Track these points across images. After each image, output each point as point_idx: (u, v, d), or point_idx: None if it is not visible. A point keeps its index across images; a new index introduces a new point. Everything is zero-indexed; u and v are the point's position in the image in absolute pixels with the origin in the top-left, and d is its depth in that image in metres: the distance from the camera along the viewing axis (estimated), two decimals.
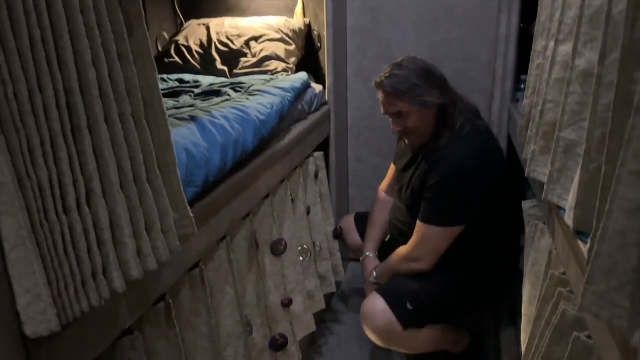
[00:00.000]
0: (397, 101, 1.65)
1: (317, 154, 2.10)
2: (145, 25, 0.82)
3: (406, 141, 1.78)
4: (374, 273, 1.90)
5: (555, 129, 1.06)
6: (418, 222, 1.72)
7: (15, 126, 0.58)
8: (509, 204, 1.74)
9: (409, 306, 1.68)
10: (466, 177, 1.62)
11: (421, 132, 1.69)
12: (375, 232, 2.06)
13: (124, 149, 0.73)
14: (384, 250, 2.01)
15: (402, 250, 1.78)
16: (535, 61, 1.39)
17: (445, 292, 1.73)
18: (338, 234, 2.21)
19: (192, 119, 1.25)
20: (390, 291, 1.73)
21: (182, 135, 1.14)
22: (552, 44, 1.19)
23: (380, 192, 2.13)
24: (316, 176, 2.06)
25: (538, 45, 1.37)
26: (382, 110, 1.72)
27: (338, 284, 2.18)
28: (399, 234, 1.90)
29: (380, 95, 1.69)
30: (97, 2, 0.70)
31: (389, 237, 2.04)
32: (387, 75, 1.66)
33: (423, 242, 1.70)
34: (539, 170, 1.18)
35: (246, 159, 1.41)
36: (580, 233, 0.90)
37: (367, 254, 2.03)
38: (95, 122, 0.68)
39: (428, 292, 1.71)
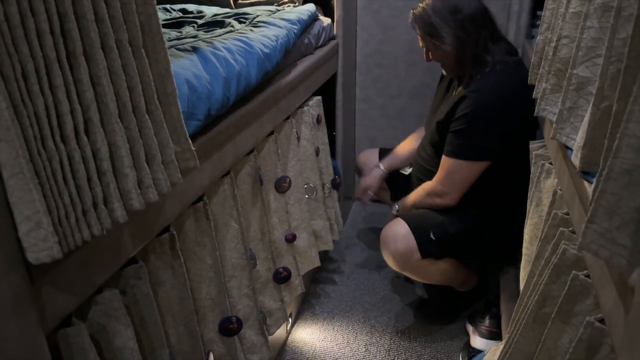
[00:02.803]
0: (422, 35, 1.71)
1: (315, 98, 2.02)
2: None
3: (443, 71, 1.84)
4: (396, 206, 1.95)
5: (569, 66, 1.02)
6: (443, 156, 1.72)
7: (8, 51, 0.56)
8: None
9: (432, 236, 1.71)
10: (494, 111, 1.63)
11: (449, 65, 1.74)
12: (399, 156, 2.14)
13: (121, 78, 0.71)
14: (404, 187, 2.02)
15: (427, 185, 1.79)
16: None
17: (468, 228, 1.74)
18: (337, 184, 2.14)
19: (194, 49, 1.22)
20: (416, 219, 1.76)
21: (184, 66, 1.11)
22: None
23: (419, 127, 2.18)
24: (318, 121, 2.02)
25: None
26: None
27: (334, 242, 2.14)
28: (421, 172, 1.91)
29: (411, 25, 1.76)
30: None
31: (410, 170, 2.06)
32: (418, 7, 1.70)
33: (448, 177, 1.70)
34: (548, 109, 1.15)
35: (250, 94, 1.39)
36: (587, 173, 0.88)
37: (380, 165, 2.13)
38: (91, 48, 0.66)
39: (452, 226, 1.73)
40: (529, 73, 1.53)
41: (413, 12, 1.71)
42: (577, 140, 0.92)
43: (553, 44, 1.19)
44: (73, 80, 0.64)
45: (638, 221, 0.60)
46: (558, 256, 0.92)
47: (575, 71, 0.96)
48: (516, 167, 1.71)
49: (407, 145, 2.14)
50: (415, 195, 1.85)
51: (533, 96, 1.36)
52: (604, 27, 0.90)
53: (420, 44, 1.75)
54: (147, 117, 0.75)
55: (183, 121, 0.86)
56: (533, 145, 1.39)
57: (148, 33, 0.78)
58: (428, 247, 1.71)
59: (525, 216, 1.79)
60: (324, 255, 2.28)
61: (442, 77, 1.97)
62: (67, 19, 0.63)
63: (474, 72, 1.68)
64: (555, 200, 1.14)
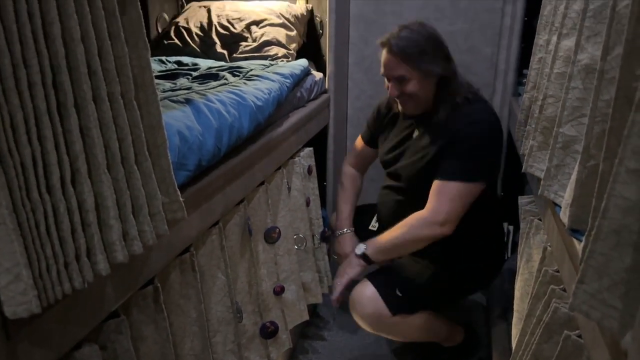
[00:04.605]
0: (402, 64, 1.60)
1: (306, 149, 2.03)
2: (139, 4, 0.80)
3: (399, 107, 1.74)
4: (363, 246, 1.75)
5: (555, 124, 1.04)
6: (439, 182, 1.62)
7: None
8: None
9: (398, 292, 1.68)
10: (492, 133, 1.63)
11: (419, 100, 1.66)
12: (350, 208, 1.99)
13: (111, 129, 0.71)
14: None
15: (420, 215, 1.65)
16: (537, 55, 1.37)
17: (435, 275, 1.71)
18: (326, 236, 2.09)
19: (187, 101, 1.23)
20: (380, 276, 1.73)
21: (176, 117, 1.12)
22: (554, 37, 1.17)
23: (347, 166, 2.06)
24: (309, 171, 2.03)
25: (540, 38, 1.35)
26: (381, 71, 1.67)
27: (324, 296, 2.06)
28: (394, 218, 1.77)
29: (384, 55, 1.64)
30: None
31: (377, 225, 1.96)
32: (396, 35, 1.61)
33: (451, 202, 1.61)
34: (536, 165, 1.16)
35: (241, 145, 1.39)
36: (576, 231, 0.89)
37: (345, 230, 1.94)
38: (83, 100, 0.66)
39: (418, 277, 1.70)
40: (515, 130, 1.56)
41: (390, 41, 1.61)
42: (565, 198, 0.93)
43: (539, 103, 1.22)
44: (62, 131, 0.64)
45: (628, 282, 0.59)
46: (549, 315, 0.91)
47: (561, 130, 0.98)
48: (488, 200, 1.73)
49: (354, 193, 2.02)
50: (398, 232, 1.68)
51: (520, 153, 1.39)
52: (588, 88, 0.92)
53: (386, 73, 1.65)
54: (135, 168, 0.74)
55: (172, 172, 0.86)
56: (522, 200, 1.40)
57: (141, 85, 0.79)
58: (396, 303, 1.67)
59: (489, 254, 1.80)
60: (312, 309, 2.23)
61: (380, 116, 1.90)
62: (59, 70, 0.63)
63: (448, 106, 1.63)
64: (545, 257, 1.13)
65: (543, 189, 1.02)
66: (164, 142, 0.83)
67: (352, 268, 1.75)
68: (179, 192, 0.87)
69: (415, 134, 1.75)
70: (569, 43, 1.05)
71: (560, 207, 0.98)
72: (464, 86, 1.66)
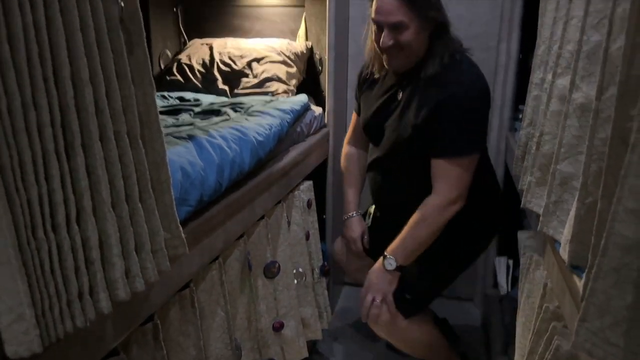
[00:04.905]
0: (403, 8, 1.43)
1: (306, 183, 2.04)
2: (146, 44, 0.82)
3: (385, 63, 1.58)
4: (391, 259, 1.62)
5: (552, 161, 1.06)
6: (441, 161, 1.53)
7: (7, 142, 0.57)
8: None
9: (407, 296, 1.66)
10: (483, 95, 1.53)
11: (411, 53, 1.51)
12: (354, 190, 1.90)
13: (117, 167, 0.72)
14: (377, 230, 1.88)
15: (433, 202, 1.56)
16: (533, 92, 1.39)
17: (434, 262, 1.67)
18: (326, 271, 2.05)
19: (190, 137, 1.25)
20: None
21: (179, 153, 1.13)
22: (549, 76, 1.20)
23: (347, 146, 1.95)
24: (309, 205, 2.04)
25: (535, 76, 1.38)
26: (375, 16, 1.49)
27: (324, 331, 2.04)
28: (393, 197, 1.70)
29: None
30: (98, 20, 0.70)
31: (374, 212, 1.89)
32: None
33: (458, 179, 1.52)
34: (535, 201, 1.17)
35: (242, 180, 1.41)
36: (576, 267, 0.89)
37: (351, 214, 1.88)
38: (90, 140, 0.67)
39: (420, 273, 1.66)
40: (513, 164, 1.57)
41: None
42: (565, 234, 0.94)
43: (536, 139, 1.24)
44: (69, 169, 0.65)
45: (630, 320, 0.59)
46: (552, 352, 0.90)
47: (558, 167, 0.99)
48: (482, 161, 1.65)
49: (359, 174, 1.90)
50: (418, 228, 1.58)
51: (518, 188, 1.40)
52: (584, 126, 0.94)
53: (383, 18, 1.47)
54: (139, 205, 0.75)
55: (175, 208, 0.86)
56: (521, 236, 1.40)
57: (146, 123, 0.81)
58: (408, 306, 1.66)
59: (489, 195, 1.72)
60: (312, 346, 2.20)
61: (361, 79, 1.78)
62: (68, 111, 0.65)
63: (437, 62, 1.51)
64: (546, 294, 1.13)
65: (542, 225, 1.03)
66: (167, 178, 0.84)
67: (389, 284, 1.64)
68: (181, 228, 0.87)
69: (400, 94, 1.62)
70: (563, 82, 1.08)
71: (560, 243, 0.99)
72: (454, 41, 1.54)
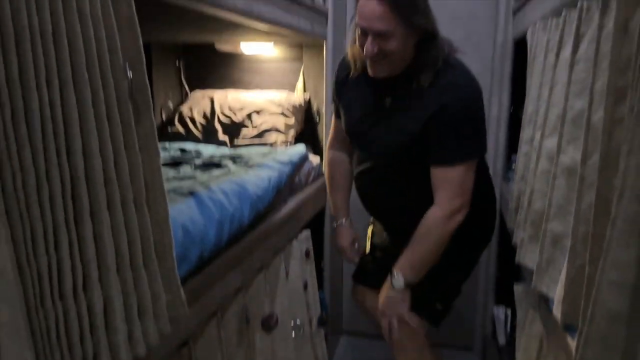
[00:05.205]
0: (391, 15, 1.34)
1: (304, 232, 2.06)
2: (152, 111, 0.86)
3: (370, 69, 1.48)
4: (398, 276, 1.56)
5: (543, 218, 1.09)
6: (441, 169, 1.47)
7: (21, 216, 0.60)
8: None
9: (438, 307, 1.64)
10: (479, 102, 1.47)
11: (396, 61, 1.43)
12: (342, 195, 1.82)
13: (123, 233, 0.75)
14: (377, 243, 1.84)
15: (435, 214, 1.50)
16: (523, 149, 1.44)
17: (451, 265, 1.62)
18: (324, 321, 2.04)
19: (191, 193, 1.28)
20: (415, 300, 1.60)
21: (180, 211, 1.16)
22: (538, 135, 1.25)
23: (330, 151, 1.85)
24: (307, 254, 2.05)
25: (525, 134, 1.44)
26: (359, 21, 1.39)
27: None
28: (388, 208, 1.65)
29: (368, 3, 1.35)
30: (108, 94, 0.74)
31: (375, 226, 1.86)
32: None
33: (460, 186, 1.47)
34: (528, 257, 1.20)
35: (241, 233, 1.43)
36: (569, 325, 0.91)
37: (341, 221, 1.81)
38: (98, 209, 0.70)
39: (450, 278, 1.63)
40: (508, 217, 1.61)
41: None
42: (557, 293, 0.96)
43: (527, 196, 1.28)
44: (77, 238, 0.68)
45: None
46: None
47: (549, 225, 1.03)
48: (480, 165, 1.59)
49: (346, 179, 1.82)
50: (423, 242, 1.53)
51: (513, 241, 1.43)
52: (571, 188, 0.98)
53: (368, 25, 1.37)
54: (143, 270, 0.78)
55: (176, 270, 0.88)
56: (517, 289, 1.42)
57: (151, 188, 0.84)
58: (438, 316, 1.64)
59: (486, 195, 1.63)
60: None
61: (339, 82, 1.67)
62: (78, 182, 0.68)
63: (430, 71, 1.44)
64: (542, 348, 1.14)
65: (536, 282, 1.05)
66: (170, 241, 0.87)
67: (403, 303, 1.59)
68: (182, 290, 0.89)
69: (388, 100, 1.55)
70: (551, 142, 1.12)
71: (553, 300, 1.01)
72: (444, 46, 1.46)
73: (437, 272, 1.58)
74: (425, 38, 1.41)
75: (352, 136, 1.67)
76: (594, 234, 0.73)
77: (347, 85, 1.64)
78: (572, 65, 0.97)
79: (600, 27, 0.81)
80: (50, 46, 0.64)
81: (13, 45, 0.59)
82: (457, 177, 1.46)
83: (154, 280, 0.80)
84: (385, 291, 1.61)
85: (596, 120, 0.82)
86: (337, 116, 1.76)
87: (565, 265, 0.91)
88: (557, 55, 1.11)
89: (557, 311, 0.92)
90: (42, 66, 0.63)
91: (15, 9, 0.60)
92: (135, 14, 0.82)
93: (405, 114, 1.49)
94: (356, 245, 1.85)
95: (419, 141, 1.47)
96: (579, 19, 0.94)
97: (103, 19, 0.74)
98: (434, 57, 1.42)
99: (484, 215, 1.68)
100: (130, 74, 0.80)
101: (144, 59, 0.84)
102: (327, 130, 2.30)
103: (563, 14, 1.08)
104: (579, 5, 0.96)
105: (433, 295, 1.63)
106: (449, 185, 1.47)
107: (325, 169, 1.87)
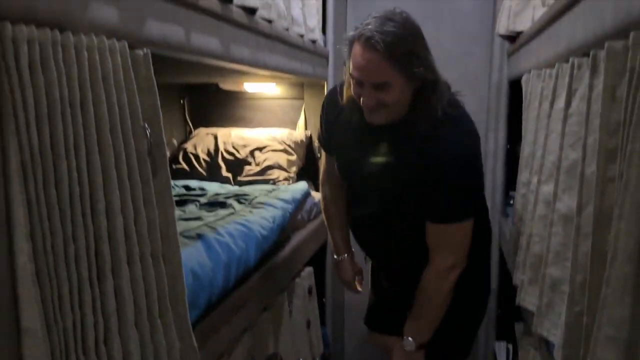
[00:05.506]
0: (388, 67, 1.26)
1: (307, 269, 2.08)
2: (168, 166, 0.91)
3: (366, 117, 1.39)
4: (409, 339, 1.54)
5: (541, 261, 1.13)
6: (438, 226, 1.43)
7: (49, 275, 0.64)
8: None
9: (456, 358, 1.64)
10: (477, 156, 1.42)
11: (396, 108, 1.36)
12: (342, 232, 1.76)
13: (141, 286, 0.78)
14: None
15: (432, 272, 1.47)
16: (520, 191, 1.49)
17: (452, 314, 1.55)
18: (327, 358, 2.05)
19: (199, 236, 1.32)
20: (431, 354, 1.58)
21: (190, 255, 1.19)
22: (535, 180, 1.29)
23: (325, 187, 1.78)
24: (310, 292, 2.08)
25: (523, 176, 1.48)
26: (354, 73, 1.30)
27: None
28: (388, 253, 1.62)
29: (360, 52, 1.27)
30: (129, 155, 0.79)
31: (369, 262, 1.81)
32: (380, 29, 1.24)
33: (457, 244, 1.44)
34: (528, 299, 1.23)
35: (247, 274, 1.46)
36: None
37: (342, 256, 1.76)
38: (118, 264, 0.74)
39: (459, 322, 1.57)
40: (507, 257, 1.64)
41: (373, 37, 1.23)
42: (558, 337, 0.99)
43: (525, 238, 1.32)
44: (99, 294, 0.71)
45: None
46: None
47: (547, 271, 1.06)
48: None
49: (343, 214, 1.74)
50: (426, 304, 1.52)
51: (513, 282, 1.45)
52: (568, 235, 1.02)
53: (365, 77, 1.29)
54: (159, 321, 0.81)
55: (189, 318, 0.92)
56: (519, 328, 1.45)
57: (165, 240, 0.88)
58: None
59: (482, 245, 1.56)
60: None
61: (330, 118, 1.59)
62: (101, 241, 0.72)
63: (429, 120, 1.35)
64: None
65: (536, 326, 1.08)
66: (182, 290, 0.90)
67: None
68: (193, 337, 0.92)
69: (384, 147, 1.48)
70: (547, 189, 1.17)
71: (553, 343, 1.04)
72: (445, 93, 1.38)
73: (448, 327, 1.56)
74: (425, 85, 1.34)
75: (346, 179, 1.63)
76: (591, 283, 0.76)
77: (337, 124, 1.57)
78: (565, 118, 1.02)
79: (591, 87, 0.86)
80: (78, 115, 0.68)
81: (46, 118, 0.64)
82: (456, 234, 1.44)
83: (168, 330, 0.84)
84: (398, 353, 1.60)
85: (589, 174, 0.86)
86: (327, 151, 1.72)
87: (564, 311, 0.94)
88: (552, 105, 1.16)
89: (557, 356, 0.95)
90: (71, 134, 0.67)
91: (48, 82, 0.65)
92: (153, 75, 0.87)
93: (401, 164, 1.44)
94: (358, 278, 1.81)
95: (415, 190, 1.43)
96: (571, 75, 0.99)
97: (125, 83, 0.79)
98: (434, 105, 1.35)
99: (481, 270, 1.63)
100: (148, 132, 0.84)
101: (161, 116, 0.89)
102: None
103: (556, 67, 1.14)
104: (570, 61, 1.02)
105: (449, 349, 1.62)
106: (446, 243, 1.45)
107: (321, 205, 1.82)
